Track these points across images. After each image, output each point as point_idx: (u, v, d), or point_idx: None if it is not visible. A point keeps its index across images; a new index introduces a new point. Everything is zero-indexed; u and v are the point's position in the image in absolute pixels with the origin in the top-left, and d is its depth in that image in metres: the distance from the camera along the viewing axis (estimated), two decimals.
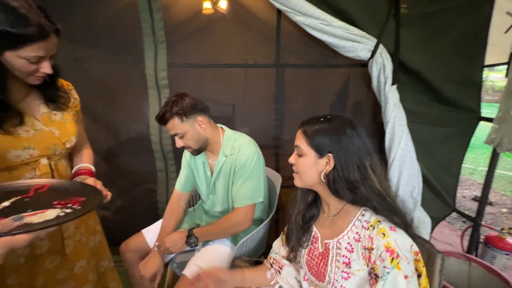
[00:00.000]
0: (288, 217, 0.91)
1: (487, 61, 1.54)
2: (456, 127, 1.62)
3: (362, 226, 0.74)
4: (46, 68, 0.75)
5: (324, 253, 0.82)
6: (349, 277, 0.74)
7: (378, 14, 1.47)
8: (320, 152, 0.75)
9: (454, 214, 1.82)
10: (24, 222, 0.56)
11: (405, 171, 1.56)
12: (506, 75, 1.51)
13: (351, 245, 0.76)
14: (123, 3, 1.59)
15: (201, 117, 1.16)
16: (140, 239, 1.33)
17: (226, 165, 1.22)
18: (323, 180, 0.76)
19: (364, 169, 0.73)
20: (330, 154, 0.74)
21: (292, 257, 0.93)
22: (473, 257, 1.54)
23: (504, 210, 3.32)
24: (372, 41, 1.47)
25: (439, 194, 1.71)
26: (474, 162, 5.08)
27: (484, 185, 1.67)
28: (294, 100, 1.82)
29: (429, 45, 1.50)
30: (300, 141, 0.78)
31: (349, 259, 0.75)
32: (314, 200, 0.88)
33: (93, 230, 1.05)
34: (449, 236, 2.52)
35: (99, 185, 0.88)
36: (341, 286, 0.76)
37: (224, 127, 1.29)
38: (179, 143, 1.18)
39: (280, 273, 0.96)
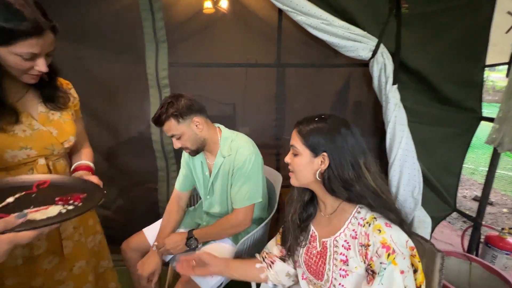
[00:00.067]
0: (284, 217, 0.91)
1: (488, 61, 1.54)
2: (457, 127, 1.62)
3: (358, 223, 0.75)
4: (41, 66, 0.74)
5: (322, 252, 0.82)
6: (347, 275, 0.75)
7: (379, 13, 1.47)
8: (315, 151, 0.76)
9: (454, 214, 1.83)
10: (28, 219, 0.56)
11: (405, 171, 1.56)
12: (507, 75, 1.51)
13: (348, 243, 0.76)
14: (124, 2, 1.59)
15: (197, 118, 1.15)
16: (141, 238, 1.33)
17: (224, 166, 1.22)
18: (318, 179, 0.77)
19: (359, 168, 0.74)
20: (324, 153, 0.75)
21: (287, 256, 0.93)
22: (473, 256, 1.54)
23: (505, 210, 3.32)
24: (373, 41, 1.47)
25: (440, 194, 1.71)
26: (474, 162, 5.08)
27: (485, 185, 1.67)
28: (295, 99, 1.82)
29: (430, 45, 1.50)
30: (295, 141, 0.79)
31: (346, 256, 0.76)
32: (311, 199, 0.88)
33: (93, 230, 1.04)
34: (450, 236, 2.52)
35: (95, 179, 0.87)
36: (340, 284, 0.76)
37: (221, 126, 1.28)
38: (176, 144, 1.17)
39: (271, 267, 0.96)
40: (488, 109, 1.62)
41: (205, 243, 1.25)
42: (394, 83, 1.50)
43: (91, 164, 0.98)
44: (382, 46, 1.47)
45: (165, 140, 1.71)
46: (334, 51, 1.55)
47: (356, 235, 0.75)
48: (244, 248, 1.26)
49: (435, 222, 1.74)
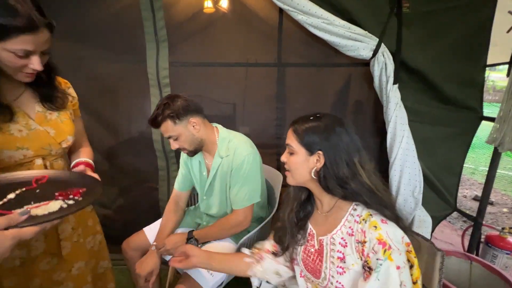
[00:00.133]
0: (281, 215, 0.91)
1: (489, 61, 1.54)
2: (458, 127, 1.62)
3: (355, 221, 0.76)
4: (35, 64, 0.72)
5: (319, 250, 0.83)
6: (344, 272, 0.76)
7: (380, 13, 1.46)
8: (310, 149, 0.77)
9: (454, 214, 1.83)
10: (30, 215, 0.57)
11: (406, 171, 1.56)
12: (508, 75, 1.51)
13: (344, 240, 0.77)
14: (125, 2, 1.59)
15: (194, 118, 1.15)
16: (141, 238, 1.33)
17: (222, 166, 1.21)
18: (314, 177, 0.78)
19: (353, 165, 0.75)
20: (320, 152, 0.76)
21: (280, 252, 0.93)
22: (474, 256, 1.55)
23: (505, 210, 3.32)
24: (374, 40, 1.47)
25: (440, 194, 1.71)
26: (475, 161, 5.08)
27: (485, 184, 1.67)
28: (295, 99, 1.82)
29: (431, 44, 1.50)
30: (291, 140, 0.80)
31: (343, 254, 0.77)
32: (307, 198, 0.89)
33: (93, 230, 1.03)
34: (450, 236, 2.52)
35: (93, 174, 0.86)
36: (337, 281, 0.77)
37: (219, 126, 1.27)
38: (174, 145, 1.17)
39: (259, 263, 0.96)
40: (488, 109, 1.62)
41: (205, 242, 1.25)
42: (394, 83, 1.50)
43: (91, 161, 0.96)
44: (383, 45, 1.47)
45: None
46: (334, 50, 1.54)
47: (353, 232, 0.75)
48: (245, 247, 1.26)
49: (436, 222, 1.74)
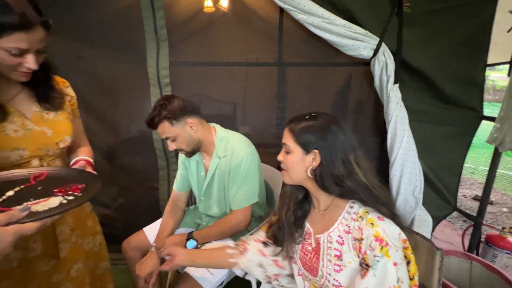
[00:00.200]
0: (278, 215, 0.91)
1: (489, 60, 1.54)
2: (458, 126, 1.62)
3: (352, 218, 0.76)
4: (30, 62, 0.70)
5: (316, 248, 0.83)
6: (341, 270, 0.76)
7: (381, 12, 1.46)
8: (306, 148, 0.77)
9: (454, 213, 1.83)
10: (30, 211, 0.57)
11: (406, 170, 1.56)
12: (509, 74, 1.51)
13: (341, 238, 0.77)
14: (126, 2, 1.59)
15: (191, 119, 1.13)
16: (141, 237, 1.33)
17: (220, 167, 1.21)
18: (310, 176, 0.78)
19: (349, 164, 0.75)
20: (316, 150, 0.76)
21: (272, 243, 0.94)
22: (474, 256, 1.55)
23: (505, 209, 3.32)
24: (375, 40, 1.47)
25: (441, 193, 1.71)
26: (474, 161, 5.09)
27: (486, 184, 1.67)
28: (296, 98, 1.82)
29: (432, 44, 1.50)
30: (287, 139, 0.81)
31: (340, 251, 0.77)
32: (305, 197, 0.89)
33: (92, 231, 1.02)
34: (450, 235, 2.52)
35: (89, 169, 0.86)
36: (334, 279, 0.77)
37: (216, 126, 1.26)
38: (171, 146, 1.16)
39: (243, 255, 0.96)
40: (488, 109, 1.62)
41: (205, 242, 1.25)
42: (395, 82, 1.50)
43: (91, 159, 0.95)
44: (383, 45, 1.47)
45: None
46: (335, 50, 1.54)
47: (350, 229, 0.76)
48: None
49: (436, 221, 1.74)
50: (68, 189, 0.69)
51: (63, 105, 0.89)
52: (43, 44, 0.72)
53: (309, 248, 0.85)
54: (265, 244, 0.96)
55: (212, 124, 1.27)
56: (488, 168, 1.64)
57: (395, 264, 0.67)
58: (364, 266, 0.71)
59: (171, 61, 1.62)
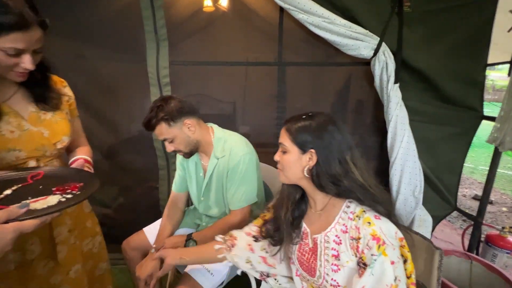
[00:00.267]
0: (276, 214, 0.91)
1: (490, 60, 1.54)
2: (458, 126, 1.62)
3: (348, 218, 0.76)
4: (27, 63, 0.69)
5: (314, 248, 0.83)
6: (339, 269, 0.76)
7: (381, 12, 1.46)
8: (303, 148, 0.78)
9: (454, 213, 1.83)
10: (29, 208, 0.57)
11: (407, 170, 1.56)
12: (509, 74, 1.51)
13: (339, 237, 0.77)
14: (125, 1, 1.58)
15: (189, 120, 1.12)
16: (141, 238, 1.33)
17: (218, 167, 1.20)
18: (307, 175, 0.78)
19: (346, 163, 0.75)
20: (312, 150, 0.76)
21: (260, 238, 0.94)
22: (474, 255, 1.55)
23: (504, 209, 3.33)
24: (375, 40, 1.47)
25: (441, 193, 1.71)
26: (474, 161, 5.09)
27: (486, 184, 1.67)
28: (296, 98, 1.82)
29: (432, 43, 1.50)
30: (284, 139, 0.81)
31: (337, 251, 0.77)
32: (301, 197, 0.89)
33: (92, 232, 1.02)
34: (450, 235, 2.53)
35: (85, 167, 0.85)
36: (332, 279, 0.78)
37: (214, 126, 1.26)
38: (169, 147, 1.14)
39: (230, 250, 0.96)
40: (488, 108, 1.62)
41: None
42: (395, 82, 1.50)
43: (89, 158, 0.94)
44: (383, 44, 1.47)
45: None
46: (335, 49, 1.54)
47: (347, 229, 0.76)
48: None
49: (436, 221, 1.74)
50: (66, 187, 0.69)
51: (60, 105, 0.88)
52: (40, 44, 0.71)
53: (307, 248, 0.86)
54: (255, 238, 0.96)
55: (210, 124, 1.26)
56: (487, 168, 1.64)
57: (392, 262, 0.68)
58: (362, 265, 0.71)
59: (171, 61, 1.62)
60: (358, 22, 1.46)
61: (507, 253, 1.65)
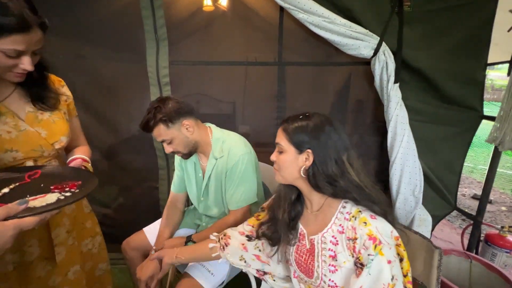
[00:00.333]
0: (273, 215, 0.92)
1: (489, 60, 1.53)
2: (458, 126, 1.62)
3: (344, 218, 0.77)
4: (26, 64, 0.69)
5: (311, 249, 0.83)
6: (336, 270, 0.76)
7: (381, 12, 1.46)
8: (300, 148, 0.78)
9: (453, 212, 1.83)
10: (28, 206, 0.58)
11: (406, 170, 1.56)
12: (508, 74, 1.51)
13: (335, 238, 0.78)
14: (125, 1, 1.58)
15: (187, 121, 1.11)
16: (141, 238, 1.33)
17: (217, 168, 1.20)
18: (303, 175, 0.79)
19: (342, 163, 0.76)
20: (309, 150, 0.76)
21: (253, 237, 0.95)
22: (474, 255, 1.55)
23: (503, 208, 3.34)
24: (375, 39, 1.47)
25: (440, 193, 1.71)
26: (473, 160, 5.10)
27: (485, 183, 1.67)
28: (296, 98, 1.81)
29: (432, 43, 1.50)
30: (281, 138, 0.81)
31: (334, 252, 0.77)
32: (297, 198, 0.89)
33: (92, 232, 1.01)
34: (449, 234, 2.53)
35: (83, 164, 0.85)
36: (330, 279, 0.78)
37: (212, 126, 1.25)
38: (168, 149, 1.14)
39: (224, 249, 0.97)
40: (487, 108, 1.62)
41: None
42: (395, 82, 1.50)
43: (87, 158, 0.93)
44: (384, 44, 1.47)
45: None
46: (335, 49, 1.54)
47: (343, 229, 0.76)
48: None
49: (436, 221, 1.75)
50: (64, 186, 0.69)
51: (58, 104, 0.87)
52: (40, 45, 0.71)
53: (304, 249, 0.86)
54: (249, 238, 0.97)
55: (208, 124, 1.26)
56: (486, 167, 1.64)
57: (389, 262, 0.68)
58: (359, 265, 0.71)
59: (171, 60, 1.62)
60: (358, 21, 1.46)
61: (507, 252, 1.65)
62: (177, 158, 1.33)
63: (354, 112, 1.83)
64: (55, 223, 0.86)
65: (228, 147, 1.17)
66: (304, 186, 0.82)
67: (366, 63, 1.59)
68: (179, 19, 1.66)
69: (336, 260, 0.77)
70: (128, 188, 1.90)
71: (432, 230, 1.71)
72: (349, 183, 0.75)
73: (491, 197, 3.52)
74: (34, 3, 0.68)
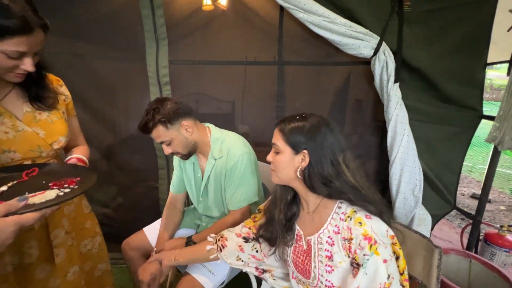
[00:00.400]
0: (270, 217, 0.92)
1: (489, 59, 1.53)
2: (458, 125, 1.62)
3: (340, 218, 0.77)
4: (27, 65, 0.69)
5: (308, 250, 0.84)
6: (333, 270, 0.77)
7: (381, 11, 1.46)
8: (296, 149, 0.78)
9: (452, 211, 1.83)
10: (27, 203, 0.58)
11: (406, 169, 1.57)
12: (508, 74, 1.51)
13: (331, 238, 0.78)
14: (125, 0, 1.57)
15: (186, 121, 1.11)
16: (141, 238, 1.32)
17: (216, 168, 1.19)
18: (299, 176, 0.79)
19: (338, 164, 0.76)
20: (305, 151, 0.77)
21: (250, 239, 0.96)
22: (473, 254, 1.56)
23: (502, 207, 3.35)
24: (375, 39, 1.47)
25: (440, 192, 1.72)
26: (472, 159, 5.11)
27: (485, 182, 1.68)
28: (296, 97, 1.81)
29: (432, 43, 1.50)
30: (277, 139, 0.81)
31: (331, 252, 0.78)
32: (293, 198, 0.90)
33: (92, 232, 1.01)
34: (448, 233, 2.54)
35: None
36: (326, 280, 0.78)
37: (211, 126, 1.24)
38: (167, 150, 1.13)
39: (221, 251, 0.98)
40: (486, 107, 1.62)
41: None
42: (395, 81, 1.50)
43: (84, 157, 0.93)
44: (384, 44, 1.47)
45: None
46: (335, 49, 1.54)
47: (339, 230, 0.77)
48: None
49: (435, 220, 1.75)
50: (63, 182, 0.69)
51: (56, 104, 0.86)
52: (41, 46, 0.71)
53: (301, 250, 0.86)
54: (245, 239, 0.98)
55: (206, 124, 1.25)
56: (485, 167, 1.65)
57: (384, 261, 0.68)
58: (355, 266, 0.72)
59: (170, 60, 1.61)
60: (359, 21, 1.46)
61: (506, 251, 1.66)
62: (176, 158, 1.32)
63: (354, 112, 1.83)
64: (54, 225, 0.86)
65: (227, 147, 1.17)
66: (300, 187, 0.82)
67: (365, 63, 1.59)
68: (178, 18, 1.66)
69: (332, 261, 0.77)
70: (128, 187, 1.90)
71: (432, 229, 1.72)
72: (345, 184, 0.75)
73: (490, 196, 3.53)
74: (34, 2, 0.67)
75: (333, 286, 0.78)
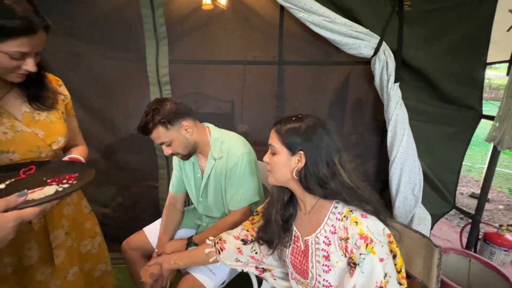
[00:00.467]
0: (267, 218, 0.92)
1: (489, 59, 1.54)
2: (458, 125, 1.62)
3: (336, 218, 0.78)
4: (29, 65, 0.69)
5: (305, 251, 0.84)
6: (330, 270, 0.77)
7: (382, 11, 1.46)
8: (292, 150, 0.79)
9: (452, 211, 1.84)
10: (27, 199, 0.58)
11: (406, 169, 1.57)
12: (507, 73, 1.51)
13: (328, 238, 0.79)
14: None
15: (186, 122, 1.10)
16: (141, 237, 1.32)
17: (216, 168, 1.19)
18: (295, 177, 0.79)
19: (333, 165, 0.76)
20: (301, 152, 0.77)
21: (249, 241, 0.97)
22: (472, 253, 1.56)
23: (501, 206, 3.36)
24: (375, 39, 1.47)
25: (440, 192, 1.72)
26: (471, 159, 5.13)
27: (484, 182, 1.68)
28: (295, 97, 1.81)
29: (432, 43, 1.50)
30: (274, 140, 0.82)
31: (327, 252, 0.78)
32: (290, 199, 0.90)
33: (92, 233, 1.01)
34: (448, 233, 2.55)
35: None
36: (324, 279, 0.79)
37: (210, 126, 1.24)
38: (167, 151, 1.12)
39: (220, 253, 0.99)
40: (484, 107, 1.62)
41: None
42: (395, 81, 1.50)
43: (81, 158, 0.92)
44: (384, 43, 1.47)
45: None
46: (335, 48, 1.54)
47: (335, 230, 0.77)
48: None
49: (435, 219, 1.76)
50: (62, 178, 0.69)
51: (55, 104, 0.86)
52: (43, 46, 0.71)
53: (299, 251, 0.87)
54: (244, 242, 0.98)
55: (206, 124, 1.25)
56: (484, 166, 1.65)
57: (381, 260, 0.69)
58: (352, 265, 0.72)
59: (170, 59, 1.61)
60: (359, 21, 1.46)
61: (505, 250, 1.66)
62: (176, 158, 1.32)
63: (354, 112, 1.83)
64: (54, 226, 0.86)
65: (227, 147, 1.17)
66: (296, 188, 0.83)
67: (365, 63, 1.59)
68: (177, 17, 1.65)
69: (329, 260, 0.77)
70: (127, 187, 1.90)
71: (431, 228, 1.72)
72: (340, 184, 0.76)
73: (489, 195, 3.54)
74: (33, 2, 0.67)
75: (331, 286, 0.78)
